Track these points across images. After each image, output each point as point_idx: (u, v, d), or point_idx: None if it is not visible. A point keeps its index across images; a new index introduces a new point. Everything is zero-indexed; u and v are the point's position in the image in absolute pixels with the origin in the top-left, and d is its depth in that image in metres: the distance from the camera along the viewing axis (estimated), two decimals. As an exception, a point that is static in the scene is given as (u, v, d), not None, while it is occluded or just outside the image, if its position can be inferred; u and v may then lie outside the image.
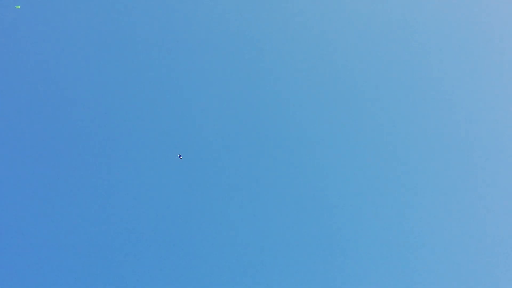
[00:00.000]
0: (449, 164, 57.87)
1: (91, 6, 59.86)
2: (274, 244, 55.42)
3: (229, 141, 58.00)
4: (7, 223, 53.40)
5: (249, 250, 55.01)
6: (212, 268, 54.40)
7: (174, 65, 59.88)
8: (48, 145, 55.88)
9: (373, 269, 54.89)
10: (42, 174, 54.99)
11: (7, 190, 54.12)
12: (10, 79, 57.05)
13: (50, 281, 52.62)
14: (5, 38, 57.76)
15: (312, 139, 58.67)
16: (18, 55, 57.72)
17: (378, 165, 57.74)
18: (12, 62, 57.44)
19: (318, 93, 60.21)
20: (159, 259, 54.18)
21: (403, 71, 61.08)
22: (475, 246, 55.62)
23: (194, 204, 56.09)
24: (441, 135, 58.71)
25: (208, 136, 57.88)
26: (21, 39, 58.09)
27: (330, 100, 60.11)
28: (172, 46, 60.38)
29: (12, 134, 55.60)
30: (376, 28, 61.83)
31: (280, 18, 61.88)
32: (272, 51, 61.06)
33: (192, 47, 60.54)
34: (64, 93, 57.43)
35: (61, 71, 58.09)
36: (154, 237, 54.73)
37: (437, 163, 57.87)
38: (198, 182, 56.64)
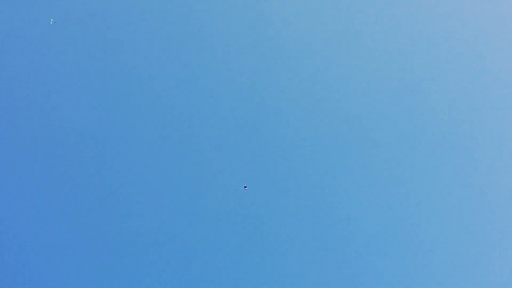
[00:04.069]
0: (448, 165, 57.98)
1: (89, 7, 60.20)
2: (273, 244, 55.53)
3: (229, 142, 58.13)
4: (7, 223, 53.64)
5: (248, 250, 55.09)
6: (212, 268, 54.53)
7: (171, 67, 60.11)
8: (47, 145, 56.11)
9: (373, 269, 54.97)
10: (42, 175, 55.22)
11: (7, 190, 54.36)
12: (10, 79, 57.37)
13: (50, 281, 52.79)
14: (5, 39, 58.11)
15: (311, 138, 58.81)
16: (18, 55, 58.06)
17: (378, 166, 57.87)
18: (12, 62, 57.79)
19: (314, 94, 60.38)
20: (159, 259, 54.30)
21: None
22: (474, 246, 55.70)
23: (194, 204, 56.25)
24: (440, 136, 58.84)
25: (207, 137, 58.06)
26: (20, 39, 58.43)
27: (329, 99, 60.28)
28: (167, 48, 60.65)
29: (12, 134, 55.87)
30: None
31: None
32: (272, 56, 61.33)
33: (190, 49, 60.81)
34: (63, 93, 57.74)
35: (59, 73, 58.44)
36: (154, 237, 54.88)
37: (436, 164, 57.99)
38: (198, 182, 56.83)
